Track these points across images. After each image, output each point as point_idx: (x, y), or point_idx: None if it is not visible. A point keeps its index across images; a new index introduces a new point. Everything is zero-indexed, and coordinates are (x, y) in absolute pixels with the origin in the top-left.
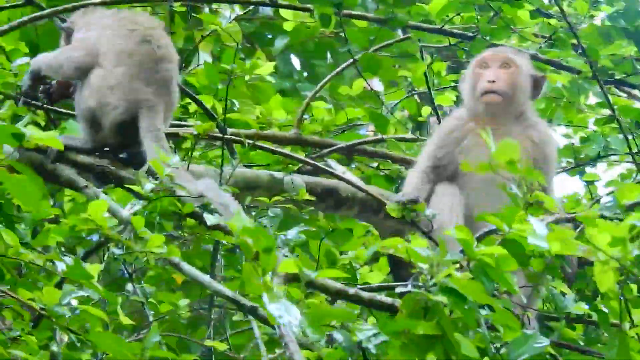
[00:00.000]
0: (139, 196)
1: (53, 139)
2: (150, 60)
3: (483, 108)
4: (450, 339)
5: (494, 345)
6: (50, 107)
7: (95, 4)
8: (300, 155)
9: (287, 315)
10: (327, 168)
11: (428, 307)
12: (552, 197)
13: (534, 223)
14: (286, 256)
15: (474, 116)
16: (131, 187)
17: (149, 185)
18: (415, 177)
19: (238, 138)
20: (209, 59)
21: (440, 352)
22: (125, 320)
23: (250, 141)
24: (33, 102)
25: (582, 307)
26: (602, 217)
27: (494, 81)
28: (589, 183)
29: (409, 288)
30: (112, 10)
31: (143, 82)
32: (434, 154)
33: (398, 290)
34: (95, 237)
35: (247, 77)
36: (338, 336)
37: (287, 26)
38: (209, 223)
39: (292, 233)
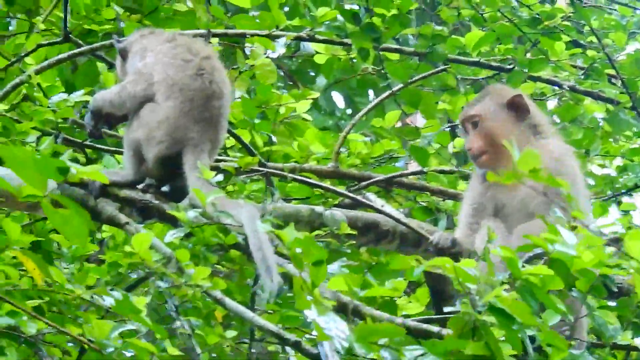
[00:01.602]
0: (181, 225)
1: (98, 173)
2: (201, 96)
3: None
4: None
5: None
6: (88, 144)
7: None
8: (341, 189)
9: (335, 328)
10: (366, 201)
11: (476, 327)
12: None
13: (562, 232)
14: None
15: None
16: (173, 213)
17: (192, 213)
18: (463, 215)
19: (279, 172)
20: (246, 96)
21: None
22: (173, 352)
23: (292, 175)
24: (72, 139)
25: (628, 338)
26: None
27: (470, 148)
28: (626, 213)
29: (457, 308)
30: (168, 35)
31: (191, 119)
32: (472, 199)
33: (446, 310)
34: (135, 274)
35: (283, 110)
36: (386, 354)
37: (319, 59)
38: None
39: (333, 267)
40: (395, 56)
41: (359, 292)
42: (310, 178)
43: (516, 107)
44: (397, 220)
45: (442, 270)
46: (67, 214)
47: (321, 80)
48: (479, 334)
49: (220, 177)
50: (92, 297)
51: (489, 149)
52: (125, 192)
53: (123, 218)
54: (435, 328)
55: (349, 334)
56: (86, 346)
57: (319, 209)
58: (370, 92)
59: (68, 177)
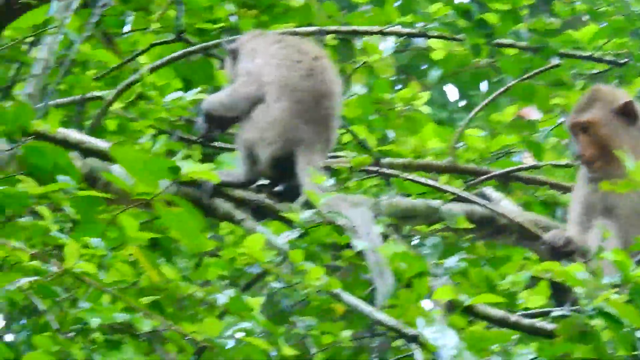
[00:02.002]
0: (295, 227)
1: (209, 173)
2: (312, 96)
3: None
4: None
5: None
6: (202, 142)
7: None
8: (457, 185)
9: (443, 338)
10: (475, 199)
11: (586, 331)
12: None
13: None
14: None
15: None
16: (287, 215)
17: (305, 214)
18: (573, 213)
19: (392, 171)
20: (362, 91)
21: None
22: (288, 352)
23: (404, 174)
24: (187, 137)
25: None
26: None
27: (582, 155)
28: None
29: (566, 312)
30: (277, 36)
31: (303, 119)
32: (582, 198)
33: (554, 314)
34: (255, 270)
35: (400, 107)
36: None
37: (436, 55)
38: (356, 249)
39: (451, 261)
40: (509, 51)
41: (467, 299)
42: (423, 176)
43: (627, 113)
44: (508, 218)
45: (552, 275)
46: (180, 212)
47: (433, 74)
48: (588, 337)
49: (331, 181)
50: (206, 295)
51: (601, 156)
52: (238, 192)
53: (239, 215)
54: (549, 326)
55: (459, 342)
56: (200, 345)
57: (435, 203)
58: (483, 85)
59: (180, 176)
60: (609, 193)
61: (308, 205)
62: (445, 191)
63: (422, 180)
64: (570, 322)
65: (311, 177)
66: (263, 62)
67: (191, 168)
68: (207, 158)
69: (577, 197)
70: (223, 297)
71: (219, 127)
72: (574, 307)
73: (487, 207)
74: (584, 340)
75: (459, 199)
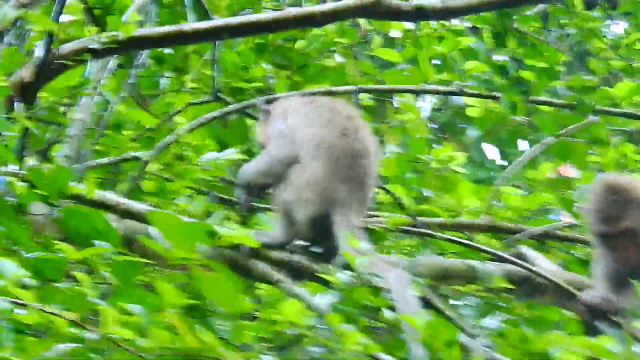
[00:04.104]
0: (332, 288)
1: (246, 237)
2: (347, 155)
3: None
4: None
5: None
6: (247, 212)
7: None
8: (493, 244)
9: None
10: (512, 258)
11: None
12: None
13: None
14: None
15: None
16: (324, 276)
17: (343, 276)
18: (602, 273)
19: (428, 231)
20: (396, 150)
21: None
22: None
23: (440, 235)
24: (225, 197)
25: None
26: None
27: (625, 260)
28: None
29: None
30: (308, 96)
31: (338, 178)
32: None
33: None
34: (293, 331)
35: (435, 165)
36: None
37: (473, 112)
38: (387, 316)
39: (489, 321)
40: (545, 108)
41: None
42: (459, 235)
43: None
44: (544, 277)
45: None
46: (217, 277)
47: (471, 132)
48: None
49: (368, 246)
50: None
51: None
52: (275, 254)
53: (276, 275)
54: None
55: None
56: None
57: (473, 262)
58: (521, 142)
59: (218, 241)
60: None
61: (346, 266)
62: (482, 250)
63: (459, 239)
64: None
65: (347, 239)
66: (296, 122)
67: (228, 232)
68: (245, 217)
69: (601, 256)
70: None
71: (257, 195)
72: None
73: (524, 266)
74: None
75: (496, 258)
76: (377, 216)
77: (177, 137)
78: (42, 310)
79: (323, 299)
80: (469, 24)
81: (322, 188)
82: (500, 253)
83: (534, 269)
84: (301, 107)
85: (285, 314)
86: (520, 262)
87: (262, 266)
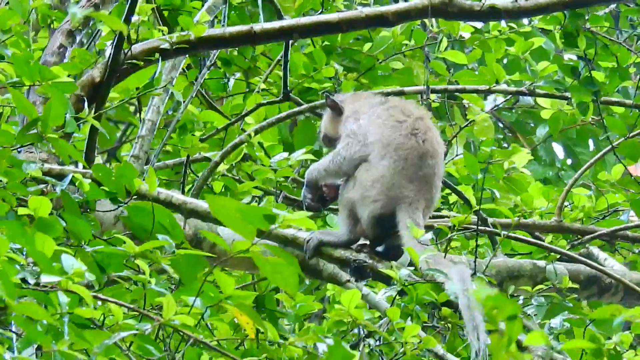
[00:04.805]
0: (394, 284)
1: (305, 220)
2: (415, 155)
3: None
4: None
5: None
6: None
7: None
8: (561, 245)
9: None
10: (581, 258)
11: None
12: None
13: None
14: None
15: None
16: (386, 272)
17: (404, 271)
18: None
19: (493, 230)
20: (462, 151)
21: None
22: None
23: (505, 232)
24: (293, 197)
25: None
26: None
27: None
28: None
29: None
30: (380, 97)
31: (406, 177)
32: None
33: None
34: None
35: (505, 166)
36: None
37: (545, 114)
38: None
39: (556, 321)
40: (615, 108)
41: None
42: (527, 235)
43: None
44: (614, 277)
45: None
46: (277, 262)
47: (541, 131)
48: None
49: (429, 234)
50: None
51: None
52: (339, 252)
53: (344, 276)
54: None
55: None
56: None
57: (541, 263)
58: (591, 142)
59: (278, 226)
60: None
61: (410, 264)
62: (553, 250)
63: (531, 239)
64: None
65: (411, 232)
66: (367, 123)
67: (287, 215)
68: (312, 218)
69: None
70: (323, 346)
71: (322, 198)
72: None
73: (592, 266)
74: None
75: (564, 258)
76: (447, 216)
77: (246, 137)
78: (99, 297)
79: (383, 294)
80: (536, 24)
81: (388, 186)
82: (571, 253)
83: (605, 269)
84: (373, 108)
85: (345, 306)
86: (591, 262)
87: (330, 267)
